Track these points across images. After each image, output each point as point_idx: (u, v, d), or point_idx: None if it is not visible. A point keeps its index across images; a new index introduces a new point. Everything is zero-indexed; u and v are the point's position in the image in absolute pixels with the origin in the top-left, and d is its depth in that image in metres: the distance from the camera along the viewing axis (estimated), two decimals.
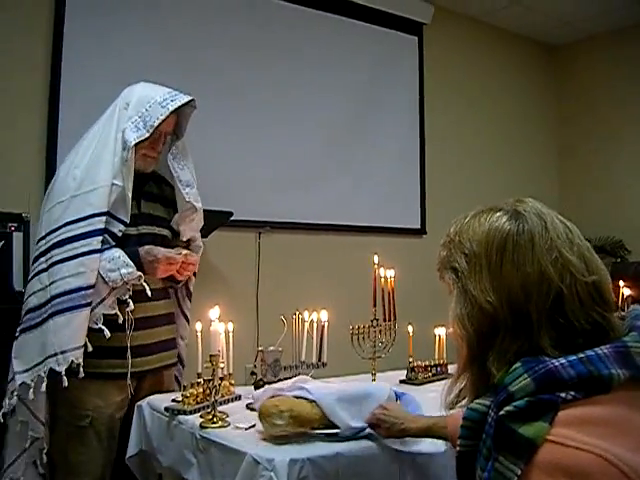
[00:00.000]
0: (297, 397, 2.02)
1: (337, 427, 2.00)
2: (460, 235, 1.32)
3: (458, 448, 1.25)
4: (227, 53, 4.60)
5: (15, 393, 2.51)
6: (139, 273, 2.60)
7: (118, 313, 2.58)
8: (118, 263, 2.56)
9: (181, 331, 2.49)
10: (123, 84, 2.87)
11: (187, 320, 2.92)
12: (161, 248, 2.69)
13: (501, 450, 1.09)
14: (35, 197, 3.80)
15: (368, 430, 2.00)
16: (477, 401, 1.22)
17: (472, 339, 1.23)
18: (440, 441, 1.92)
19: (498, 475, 1.09)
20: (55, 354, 2.46)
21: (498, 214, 1.29)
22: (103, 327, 2.55)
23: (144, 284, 2.62)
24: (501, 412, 1.10)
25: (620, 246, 5.83)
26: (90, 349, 2.51)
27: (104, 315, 2.57)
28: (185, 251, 2.78)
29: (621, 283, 3.31)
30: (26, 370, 2.51)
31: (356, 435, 1.99)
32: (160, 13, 4.35)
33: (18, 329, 2.62)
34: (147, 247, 2.67)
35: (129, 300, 2.60)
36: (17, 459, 2.59)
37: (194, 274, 3.06)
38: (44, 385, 2.47)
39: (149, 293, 2.64)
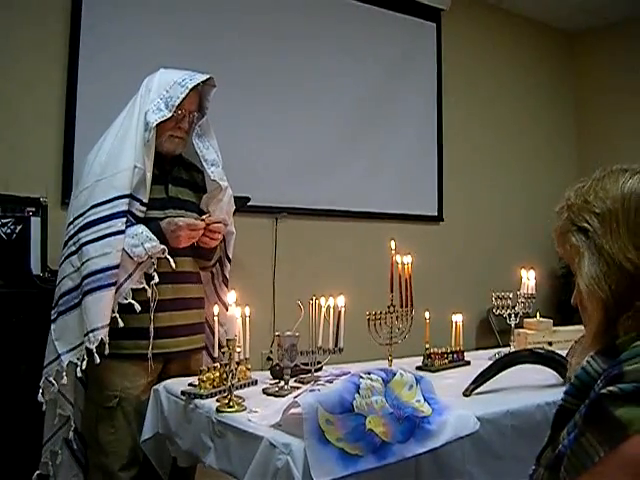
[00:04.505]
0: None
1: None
2: (587, 196, 1.25)
3: (561, 402, 1.23)
4: (244, 39, 4.59)
5: (64, 373, 2.57)
6: (162, 246, 2.65)
7: (146, 287, 2.65)
8: (141, 238, 2.62)
9: (220, 318, 2.51)
10: (139, 71, 2.89)
11: (225, 307, 2.95)
12: (181, 218, 2.73)
13: (591, 427, 1.06)
14: (53, 182, 3.83)
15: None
16: (593, 364, 1.18)
17: (610, 300, 1.18)
18: (461, 425, 1.93)
19: (580, 449, 1.06)
20: (87, 333, 2.52)
21: (627, 174, 1.24)
22: (133, 302, 2.62)
23: (168, 257, 2.67)
24: (603, 391, 1.07)
25: None
26: (121, 324, 2.58)
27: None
28: (205, 216, 2.81)
29: None
30: (70, 350, 2.58)
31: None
32: (175, 2, 4.36)
33: (54, 312, 2.67)
34: (168, 219, 2.71)
35: (154, 274, 2.65)
36: (54, 435, 2.71)
37: (229, 260, 3.09)
38: (84, 364, 2.53)
39: (173, 265, 2.68)
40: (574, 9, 6.09)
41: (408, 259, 2.77)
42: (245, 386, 2.48)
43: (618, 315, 1.18)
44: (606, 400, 1.05)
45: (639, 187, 1.21)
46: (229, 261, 3.10)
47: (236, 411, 2.13)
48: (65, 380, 2.57)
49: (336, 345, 2.47)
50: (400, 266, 2.75)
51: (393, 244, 2.76)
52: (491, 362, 2.56)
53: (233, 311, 2.28)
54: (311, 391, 1.99)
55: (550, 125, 6.57)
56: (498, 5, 6.10)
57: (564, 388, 1.24)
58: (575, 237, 1.26)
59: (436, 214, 5.70)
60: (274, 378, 2.57)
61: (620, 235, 1.18)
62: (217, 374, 2.36)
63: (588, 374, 1.18)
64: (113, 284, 2.55)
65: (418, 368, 2.84)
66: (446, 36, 5.76)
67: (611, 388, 1.06)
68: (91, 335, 2.50)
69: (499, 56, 6.19)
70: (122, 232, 2.59)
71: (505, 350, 3.09)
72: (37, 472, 2.72)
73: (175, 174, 2.90)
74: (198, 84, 2.78)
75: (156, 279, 2.65)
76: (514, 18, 6.28)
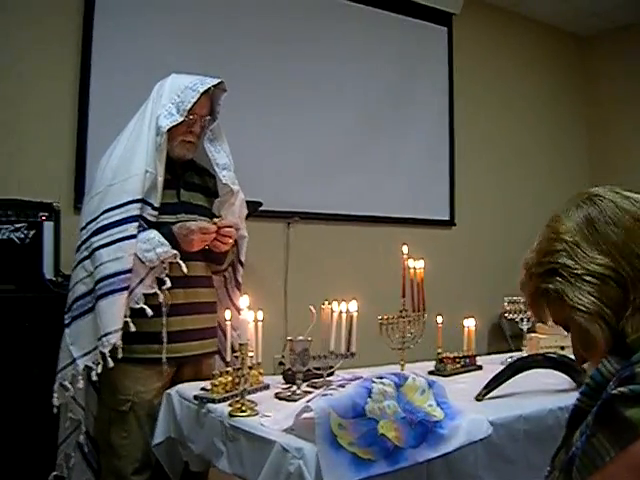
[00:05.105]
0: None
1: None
2: (542, 250, 1.31)
3: (576, 402, 1.24)
4: (254, 44, 4.59)
5: (80, 377, 2.58)
6: (174, 251, 2.65)
7: (158, 292, 2.66)
8: (153, 243, 2.63)
9: (233, 322, 2.52)
10: (152, 75, 2.91)
11: (238, 311, 2.96)
12: (193, 222, 2.74)
13: (602, 427, 1.08)
14: (65, 187, 3.85)
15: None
16: (607, 365, 1.19)
17: (606, 311, 1.20)
18: (473, 429, 1.94)
19: (592, 449, 1.08)
20: (100, 337, 2.53)
21: (565, 213, 1.30)
22: (145, 306, 2.62)
23: (180, 262, 2.68)
24: (614, 391, 1.08)
25: None
26: (133, 329, 2.58)
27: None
28: (216, 219, 2.81)
29: None
30: (86, 354, 2.59)
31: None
32: (187, 6, 4.37)
33: (68, 317, 2.68)
34: (179, 223, 2.72)
35: (166, 279, 2.66)
36: (67, 438, 2.73)
37: (241, 264, 3.10)
38: (100, 367, 2.54)
39: (185, 270, 2.69)
40: (584, 12, 6.07)
41: (420, 264, 2.77)
42: (257, 390, 2.48)
43: (618, 321, 1.19)
44: (617, 401, 1.07)
45: (582, 213, 1.27)
46: (242, 265, 3.11)
47: (248, 415, 2.13)
48: (81, 384, 2.59)
49: (348, 350, 2.47)
50: (412, 271, 2.75)
51: (405, 249, 2.76)
52: (503, 367, 2.56)
53: (245, 315, 2.28)
54: (323, 395, 2.00)
55: (561, 129, 6.55)
56: (509, 8, 6.08)
57: (578, 391, 1.25)
58: (550, 283, 1.28)
59: (448, 218, 5.68)
60: (286, 383, 2.58)
61: (586, 253, 1.23)
62: (229, 378, 2.37)
63: (602, 375, 1.19)
64: (125, 288, 2.56)
65: (430, 373, 2.84)
66: (457, 40, 5.75)
67: (622, 389, 1.07)
68: (104, 339, 2.51)
69: (509, 59, 6.17)
70: (134, 236, 2.60)
71: (517, 355, 3.08)
72: (54, 473, 2.75)
73: (187, 179, 2.91)
74: (209, 88, 2.78)
75: (168, 284, 2.66)
76: (524, 21, 6.26)
